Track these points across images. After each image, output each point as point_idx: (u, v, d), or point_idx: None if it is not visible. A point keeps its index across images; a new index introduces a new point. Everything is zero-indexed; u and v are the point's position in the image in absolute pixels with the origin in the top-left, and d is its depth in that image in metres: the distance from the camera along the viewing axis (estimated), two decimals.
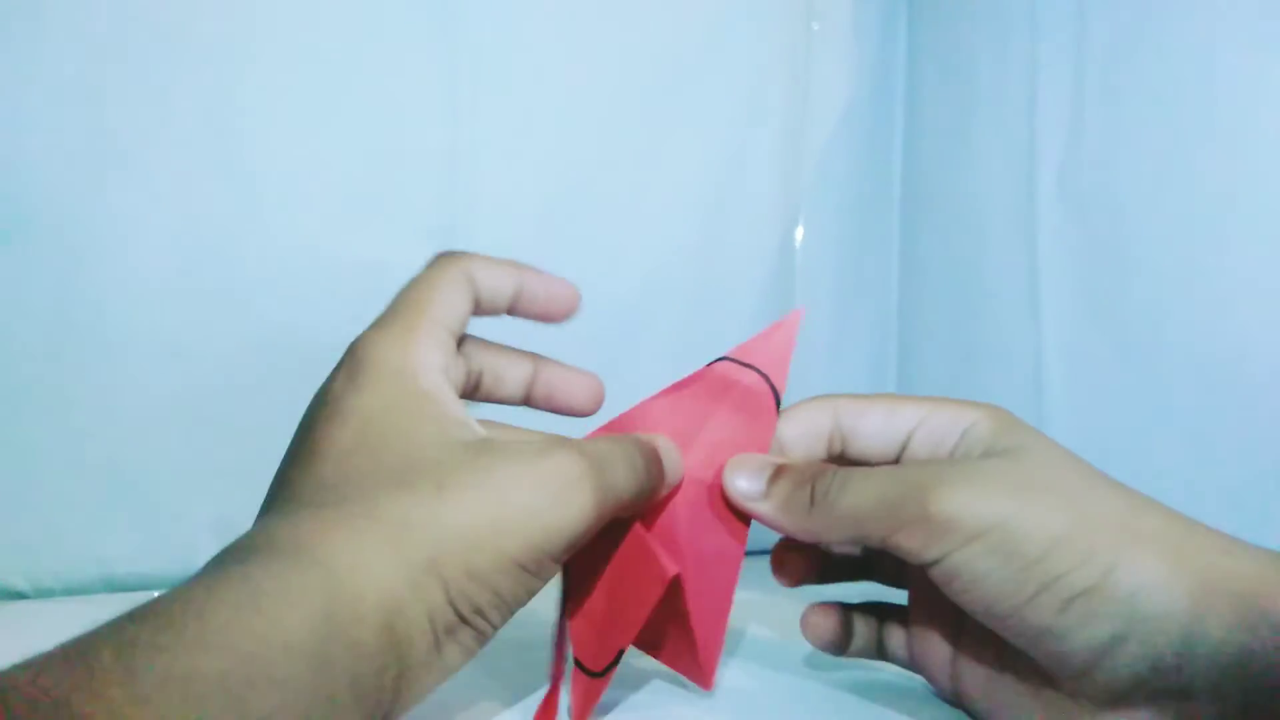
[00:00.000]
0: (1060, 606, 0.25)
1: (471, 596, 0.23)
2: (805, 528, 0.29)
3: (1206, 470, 0.44)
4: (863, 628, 0.34)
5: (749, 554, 0.31)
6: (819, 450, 0.31)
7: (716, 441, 0.31)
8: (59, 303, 0.45)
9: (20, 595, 0.46)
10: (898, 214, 0.66)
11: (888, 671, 0.35)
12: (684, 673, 0.32)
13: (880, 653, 0.34)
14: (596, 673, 0.29)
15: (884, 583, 0.35)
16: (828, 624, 0.33)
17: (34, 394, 0.45)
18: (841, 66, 0.64)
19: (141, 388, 0.46)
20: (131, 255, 0.46)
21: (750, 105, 0.60)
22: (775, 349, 0.32)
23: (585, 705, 0.29)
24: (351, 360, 0.27)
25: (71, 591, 0.46)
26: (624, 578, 0.29)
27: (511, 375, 0.33)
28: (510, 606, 0.25)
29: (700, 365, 0.33)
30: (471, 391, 0.32)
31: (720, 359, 0.32)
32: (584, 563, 0.29)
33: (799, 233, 0.64)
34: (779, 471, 0.30)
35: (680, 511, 0.31)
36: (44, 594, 0.46)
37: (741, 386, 0.31)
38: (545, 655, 0.32)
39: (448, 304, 0.29)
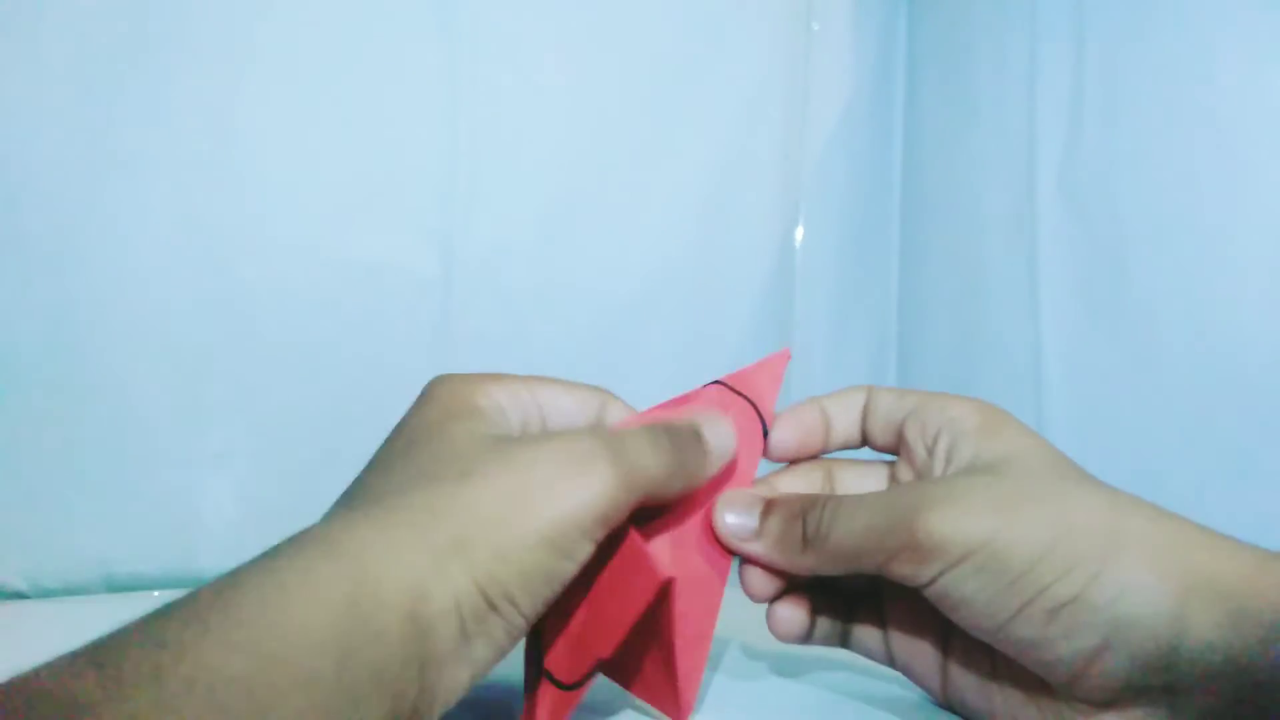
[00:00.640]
0: (1046, 618, 0.25)
1: (499, 578, 0.23)
2: (801, 565, 0.29)
3: (1204, 466, 0.44)
4: (827, 617, 0.32)
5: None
6: (814, 443, 0.32)
7: None
8: (59, 303, 0.45)
9: (20, 595, 0.46)
10: (898, 214, 0.66)
11: (872, 674, 0.35)
12: (657, 705, 0.30)
13: (844, 642, 0.33)
14: (569, 685, 0.27)
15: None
16: (796, 616, 0.32)
17: (34, 394, 0.45)
18: (841, 66, 0.64)
19: (142, 388, 0.46)
20: (131, 256, 0.46)
21: (750, 105, 0.60)
22: (765, 383, 0.32)
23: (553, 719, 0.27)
24: (424, 391, 0.28)
25: (71, 591, 0.46)
26: (612, 586, 0.28)
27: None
28: (539, 593, 0.24)
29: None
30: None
31: (715, 382, 0.33)
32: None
33: (799, 233, 0.64)
34: (769, 507, 0.30)
35: (666, 536, 0.30)
36: (44, 594, 0.46)
37: (733, 413, 0.32)
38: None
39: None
